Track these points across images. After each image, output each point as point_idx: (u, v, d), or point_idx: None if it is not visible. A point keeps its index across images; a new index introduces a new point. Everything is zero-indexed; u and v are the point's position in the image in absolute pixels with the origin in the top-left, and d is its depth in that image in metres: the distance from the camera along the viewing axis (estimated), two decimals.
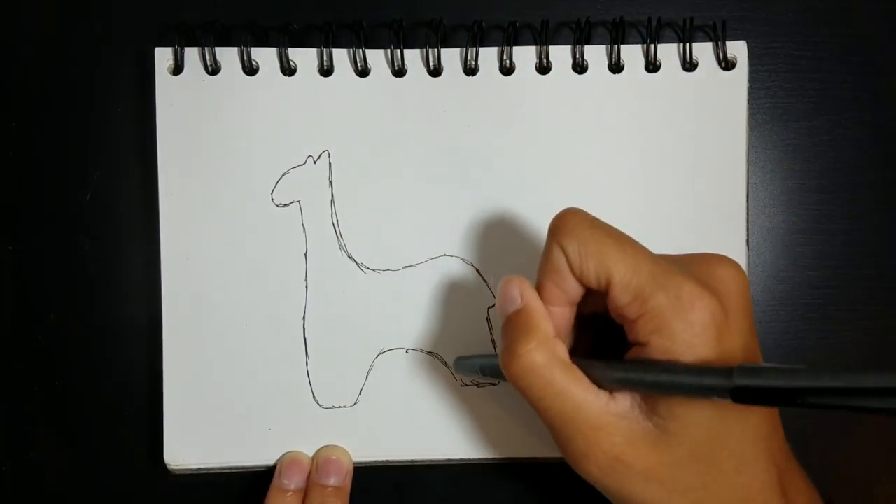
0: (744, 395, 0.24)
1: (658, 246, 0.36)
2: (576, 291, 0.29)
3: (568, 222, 0.29)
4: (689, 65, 0.36)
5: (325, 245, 0.36)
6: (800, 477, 0.29)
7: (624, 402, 0.28)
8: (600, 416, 0.28)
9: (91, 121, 0.37)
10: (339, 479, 0.36)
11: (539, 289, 0.30)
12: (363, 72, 0.36)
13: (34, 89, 0.37)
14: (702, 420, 0.27)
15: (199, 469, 0.36)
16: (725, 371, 0.24)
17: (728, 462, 0.27)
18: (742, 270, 0.28)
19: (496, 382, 0.36)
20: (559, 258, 0.28)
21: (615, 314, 0.28)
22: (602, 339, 0.31)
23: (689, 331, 0.26)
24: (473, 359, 0.34)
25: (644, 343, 0.27)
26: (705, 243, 0.36)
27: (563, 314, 0.30)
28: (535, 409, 0.29)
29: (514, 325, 0.29)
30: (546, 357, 0.28)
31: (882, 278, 0.37)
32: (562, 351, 0.28)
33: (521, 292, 0.29)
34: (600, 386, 0.28)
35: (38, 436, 0.37)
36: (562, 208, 0.29)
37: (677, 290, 0.27)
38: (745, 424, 0.27)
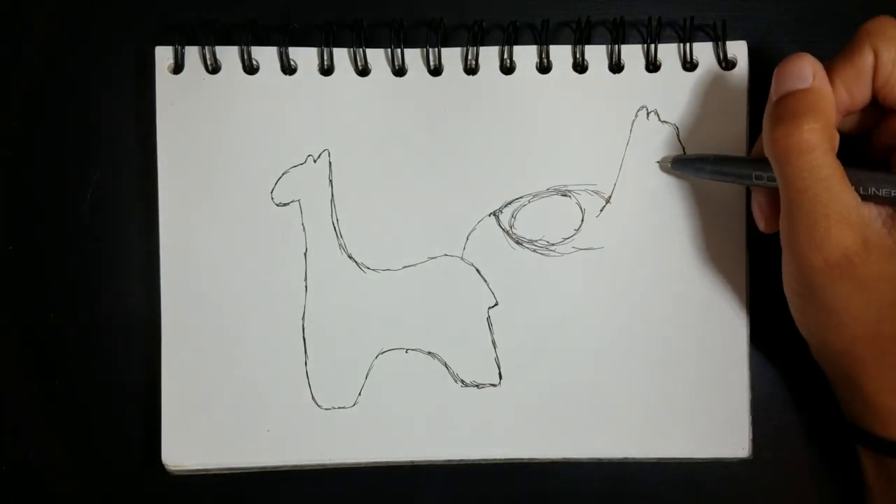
0: None
1: (658, 245, 0.36)
2: (861, 101, 0.30)
3: (888, 27, 0.29)
4: (689, 65, 0.36)
5: (325, 245, 0.36)
6: None
7: (871, 211, 0.29)
8: (851, 212, 0.28)
9: (91, 121, 0.37)
10: None
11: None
12: (363, 71, 0.36)
13: (34, 89, 0.37)
14: None
15: (198, 470, 0.36)
16: None
17: None
18: None
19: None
20: (867, 60, 0.29)
21: None
22: None
23: None
24: (706, 159, 0.34)
25: None
26: (705, 242, 0.36)
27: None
28: (787, 186, 0.29)
29: (799, 101, 0.29)
30: (825, 141, 0.28)
31: None
32: (836, 141, 0.29)
33: (814, 71, 0.29)
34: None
35: (37, 436, 0.37)
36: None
37: None
38: None
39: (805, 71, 0.29)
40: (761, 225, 0.34)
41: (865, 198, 0.29)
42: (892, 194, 0.29)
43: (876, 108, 0.31)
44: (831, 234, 0.28)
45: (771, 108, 0.30)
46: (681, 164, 0.35)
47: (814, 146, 0.28)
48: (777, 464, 0.37)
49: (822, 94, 0.29)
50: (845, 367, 0.32)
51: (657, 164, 0.36)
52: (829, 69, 0.30)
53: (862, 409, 0.32)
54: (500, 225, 0.36)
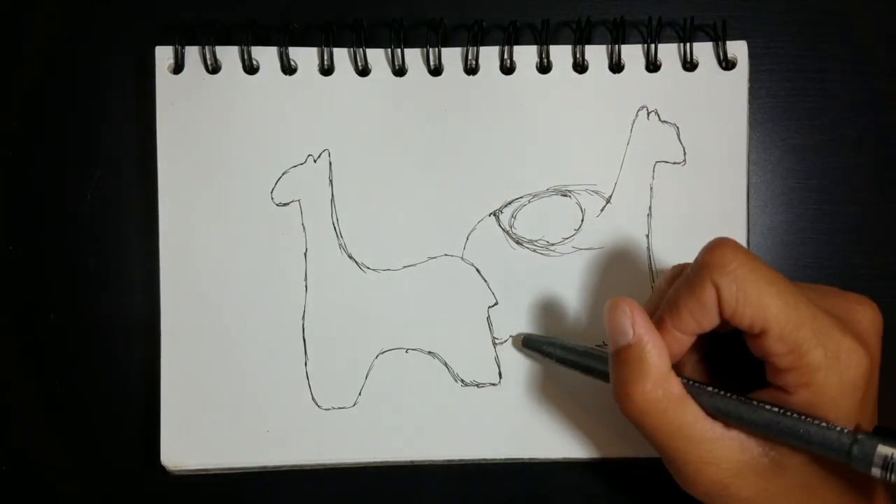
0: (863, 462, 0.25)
1: (658, 245, 0.36)
2: (711, 325, 0.28)
3: (727, 260, 0.27)
4: (689, 65, 0.36)
5: (325, 244, 0.36)
6: None
7: (740, 433, 0.28)
8: (711, 451, 0.28)
9: (91, 120, 0.37)
10: None
11: (674, 314, 0.28)
12: (364, 71, 0.36)
13: (34, 89, 0.37)
14: (822, 462, 0.27)
15: (197, 470, 0.36)
16: (849, 435, 0.25)
17: (831, 494, 0.28)
18: (878, 311, 0.28)
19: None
20: (710, 295, 0.27)
21: (760, 355, 0.27)
22: (715, 349, 0.31)
23: (840, 390, 0.26)
24: (555, 344, 0.34)
25: (790, 392, 0.27)
26: (706, 241, 0.36)
27: (686, 340, 0.29)
28: (648, 440, 0.29)
29: (626, 361, 0.28)
30: (661, 396, 0.27)
31: (882, 278, 0.37)
32: (676, 387, 0.28)
33: (632, 322, 0.28)
34: (714, 416, 0.28)
35: (37, 436, 0.37)
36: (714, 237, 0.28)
37: (836, 348, 0.26)
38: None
39: (624, 325, 0.28)
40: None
41: (732, 424, 0.28)
42: (755, 418, 0.27)
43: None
44: (700, 475, 0.28)
45: (610, 362, 0.29)
46: (531, 344, 0.35)
47: (653, 406, 0.27)
48: None
49: (646, 347, 0.28)
50: None
51: (654, 165, 0.36)
52: (675, 297, 0.28)
53: None
54: (500, 225, 0.36)
